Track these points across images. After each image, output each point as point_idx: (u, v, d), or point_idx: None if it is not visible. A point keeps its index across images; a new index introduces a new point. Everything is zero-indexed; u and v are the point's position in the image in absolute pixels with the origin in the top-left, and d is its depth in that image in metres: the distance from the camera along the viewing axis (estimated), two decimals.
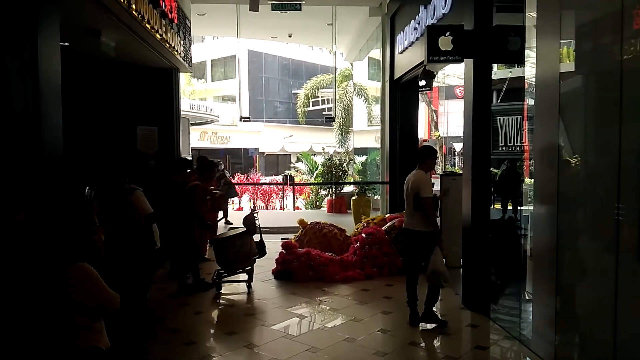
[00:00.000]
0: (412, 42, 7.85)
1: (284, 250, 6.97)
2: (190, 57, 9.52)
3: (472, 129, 5.41)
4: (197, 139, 30.07)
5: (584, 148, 3.90)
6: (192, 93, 32.04)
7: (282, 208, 16.53)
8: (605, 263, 3.38)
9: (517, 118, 12.73)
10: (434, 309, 5.07)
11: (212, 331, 5.12)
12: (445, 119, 23.49)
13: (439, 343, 4.64)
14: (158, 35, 6.81)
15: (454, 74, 24.59)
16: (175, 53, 8.14)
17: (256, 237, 6.40)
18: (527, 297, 5.41)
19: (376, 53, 13.78)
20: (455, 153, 26.80)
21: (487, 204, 5.49)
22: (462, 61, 5.50)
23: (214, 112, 30.72)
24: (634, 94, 3.21)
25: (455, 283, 6.04)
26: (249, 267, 6.29)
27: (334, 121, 13.44)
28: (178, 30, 8.18)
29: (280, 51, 35.91)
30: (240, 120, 12.00)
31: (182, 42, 8.61)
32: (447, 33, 5.47)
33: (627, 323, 3.22)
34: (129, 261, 4.18)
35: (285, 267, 6.78)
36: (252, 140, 34.27)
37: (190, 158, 9.53)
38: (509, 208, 7.03)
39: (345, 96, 15.81)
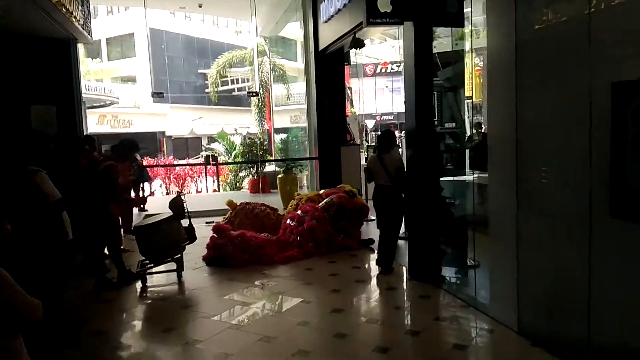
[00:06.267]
0: (339, 9, 7.49)
1: (215, 234, 6.40)
2: (90, 26, 8.41)
3: (415, 98, 5.19)
4: (95, 123, 27.69)
5: (547, 103, 3.78)
6: (86, 73, 29.28)
7: (198, 191, 15.66)
8: (576, 222, 3.31)
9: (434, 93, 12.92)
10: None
11: (144, 330, 4.48)
12: (358, 97, 23.73)
13: (398, 318, 4.43)
14: None
15: (363, 53, 24.87)
16: (74, 20, 7.10)
17: (184, 222, 5.80)
18: (470, 264, 5.43)
19: (292, 27, 13.30)
20: (369, 131, 27.26)
21: (434, 175, 5.34)
22: (402, 23, 5.26)
23: (113, 93, 28.42)
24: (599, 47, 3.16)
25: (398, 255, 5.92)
26: (178, 255, 5.67)
27: (257, 95, 12.74)
28: None
29: (183, 29, 33.94)
30: (153, 96, 10.96)
31: (80, 7, 7.54)
32: None
33: (601, 286, 3.18)
34: (40, 256, 3.44)
35: (218, 251, 6.22)
36: (157, 123, 32.28)
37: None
38: None
39: (262, 73, 15.18)
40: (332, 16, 7.92)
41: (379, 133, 6.15)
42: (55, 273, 3.72)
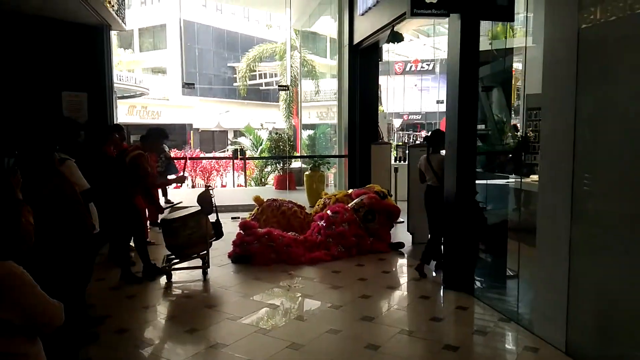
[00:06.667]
0: (378, 1, 7.21)
1: (242, 231, 6.22)
2: (124, 14, 8.33)
3: (458, 97, 4.89)
4: (125, 113, 27.94)
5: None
6: (118, 63, 29.61)
7: (223, 185, 15.57)
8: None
9: None
10: None
11: (167, 329, 4.31)
12: (386, 95, 23.34)
13: (433, 330, 4.16)
14: None
15: (393, 50, 24.44)
16: (108, 5, 7.00)
17: (211, 217, 5.63)
18: (510, 274, 5.11)
19: (324, 21, 13.02)
20: (395, 130, 26.76)
21: (472, 179, 5.03)
22: (448, 15, 4.96)
23: (143, 84, 28.62)
24: None
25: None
26: (204, 252, 5.50)
27: (288, 89, 12.57)
28: None
29: (214, 21, 34.02)
30: (184, 86, 10.87)
31: None
32: None
33: None
34: (64, 249, 3.29)
35: (244, 249, 6.05)
36: (185, 115, 32.45)
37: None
38: None
39: (291, 67, 14.98)
40: (370, 8, 7.66)
41: (429, 133, 6.21)
42: (80, 267, 3.58)
